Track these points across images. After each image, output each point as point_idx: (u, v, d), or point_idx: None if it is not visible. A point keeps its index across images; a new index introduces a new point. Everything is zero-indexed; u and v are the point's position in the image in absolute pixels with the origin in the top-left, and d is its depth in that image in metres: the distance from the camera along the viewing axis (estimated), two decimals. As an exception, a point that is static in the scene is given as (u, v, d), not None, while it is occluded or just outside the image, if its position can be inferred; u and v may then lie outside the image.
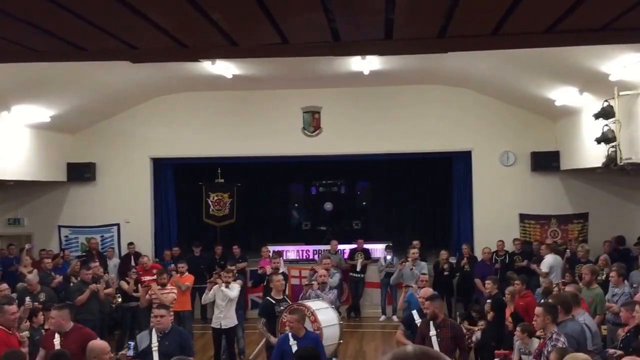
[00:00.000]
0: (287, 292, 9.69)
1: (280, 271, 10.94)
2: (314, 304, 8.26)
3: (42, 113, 11.23)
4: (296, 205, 16.66)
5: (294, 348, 6.64)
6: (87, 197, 13.84)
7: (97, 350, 5.54)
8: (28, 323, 8.05)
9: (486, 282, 9.56)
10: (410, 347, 1.35)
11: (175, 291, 9.67)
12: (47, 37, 2.18)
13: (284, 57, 2.64)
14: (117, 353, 10.41)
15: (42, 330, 7.76)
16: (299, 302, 8.39)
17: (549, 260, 11.47)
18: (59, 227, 13.95)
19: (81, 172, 13.57)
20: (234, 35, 2.18)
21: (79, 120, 13.09)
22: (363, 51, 2.67)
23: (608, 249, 11.78)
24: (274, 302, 8.25)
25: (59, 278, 10.99)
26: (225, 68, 11.25)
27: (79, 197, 13.87)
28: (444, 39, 2.20)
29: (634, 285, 9.01)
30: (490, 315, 8.78)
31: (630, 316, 6.70)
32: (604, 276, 9.16)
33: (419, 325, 7.25)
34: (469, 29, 2.16)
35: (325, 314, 8.13)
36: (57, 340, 6.56)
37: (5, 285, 8.88)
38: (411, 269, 11.04)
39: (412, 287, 9.77)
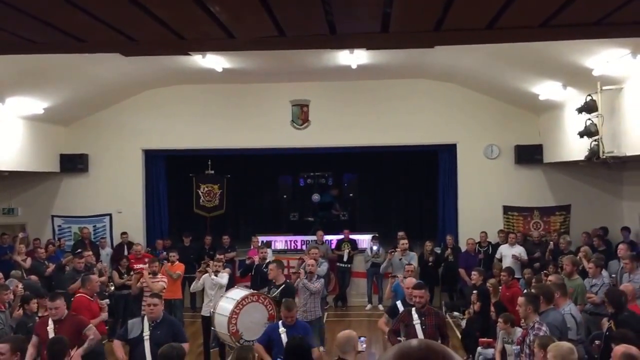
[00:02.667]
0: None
1: (268, 261, 11.10)
2: (231, 292, 8.76)
3: (36, 105, 11.30)
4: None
5: (283, 336, 6.76)
6: (79, 187, 13.95)
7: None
8: (21, 311, 8.11)
9: (472, 272, 9.73)
10: (415, 341, 1.36)
11: (165, 279, 9.81)
12: (47, 29, 2.20)
13: (280, 49, 2.66)
14: (109, 340, 10.55)
15: (36, 317, 7.82)
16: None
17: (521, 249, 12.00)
18: (52, 217, 14.06)
19: (74, 163, 13.69)
20: (231, 28, 2.21)
21: (72, 112, 13.16)
22: (359, 44, 2.70)
23: (586, 240, 12.02)
24: (271, 287, 8.83)
25: (52, 267, 11.06)
26: (215, 61, 11.35)
27: (71, 188, 13.97)
28: (439, 32, 2.24)
29: (612, 275, 9.24)
30: (477, 306, 8.99)
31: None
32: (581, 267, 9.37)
33: (400, 313, 7.33)
34: (464, 22, 2.20)
35: (225, 302, 8.52)
36: (50, 327, 6.64)
37: (-1, 274, 8.97)
38: (400, 259, 11.20)
39: (398, 277, 9.95)
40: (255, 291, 8.92)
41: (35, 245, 12.11)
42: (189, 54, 9.91)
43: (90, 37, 2.35)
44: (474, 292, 9.20)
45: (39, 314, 7.93)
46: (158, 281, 9.52)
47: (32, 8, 2.02)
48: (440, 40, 2.38)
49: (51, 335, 6.36)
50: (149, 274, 9.65)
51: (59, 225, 14.02)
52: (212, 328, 8.56)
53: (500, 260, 11.71)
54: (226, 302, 8.52)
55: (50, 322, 6.70)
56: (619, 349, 4.94)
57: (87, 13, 2.02)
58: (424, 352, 1.30)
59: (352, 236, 14.01)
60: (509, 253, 12.01)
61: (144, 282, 9.45)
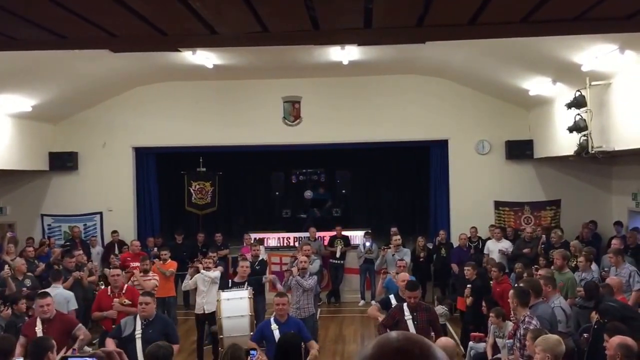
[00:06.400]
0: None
1: (261, 258, 11.11)
2: (226, 294, 8.38)
3: (24, 103, 11.22)
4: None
5: (276, 332, 6.79)
6: (69, 186, 13.89)
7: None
8: (9, 310, 8.06)
9: (465, 268, 9.77)
10: (393, 333, 1.37)
11: (157, 277, 9.79)
12: (27, 25, 2.20)
13: (264, 45, 2.64)
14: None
15: (26, 318, 7.79)
16: (219, 291, 8.65)
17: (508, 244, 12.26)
18: (42, 215, 13.99)
19: (63, 161, 13.61)
20: (213, 24, 2.21)
21: (60, 110, 13.08)
22: (343, 40, 2.73)
23: (587, 234, 12.11)
24: (230, 285, 8.92)
25: (42, 266, 11.00)
26: (206, 58, 11.32)
27: (61, 186, 13.91)
28: (422, 28, 2.27)
29: (605, 269, 9.30)
30: (469, 300, 9.04)
31: None
32: (575, 262, 9.44)
33: (392, 309, 7.36)
34: (446, 18, 2.23)
35: (232, 304, 8.15)
36: (38, 327, 6.61)
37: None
38: (393, 255, 11.24)
39: (389, 273, 9.98)
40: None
41: (28, 243, 12.03)
42: (179, 50, 9.89)
43: (70, 33, 2.34)
44: (468, 286, 9.24)
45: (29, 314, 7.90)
46: (150, 279, 9.50)
47: (11, 4, 2.01)
48: (424, 36, 2.39)
49: (39, 335, 6.33)
50: (140, 272, 9.63)
51: (49, 224, 13.94)
52: (220, 336, 8.07)
53: (488, 255, 11.83)
54: (235, 302, 8.17)
55: (38, 322, 6.67)
56: (615, 339, 5.01)
57: (65, 9, 2.01)
58: (402, 342, 1.32)
59: (344, 232, 14.03)
60: (496, 248, 12.10)
61: (135, 281, 9.43)
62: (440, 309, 9.65)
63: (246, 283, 8.93)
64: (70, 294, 8.78)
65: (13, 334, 6.74)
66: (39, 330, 6.55)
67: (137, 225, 14.15)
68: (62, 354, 6.12)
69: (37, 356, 5.20)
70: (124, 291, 8.14)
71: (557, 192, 13.62)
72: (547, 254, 10.82)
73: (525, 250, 11.63)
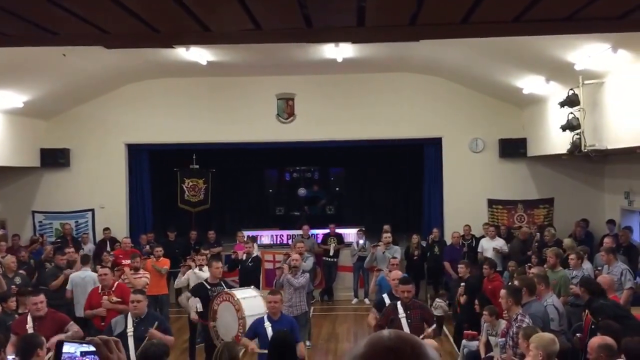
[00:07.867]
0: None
1: (254, 255, 11.08)
2: (240, 293, 8.19)
3: (15, 98, 11.15)
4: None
5: (269, 330, 6.78)
6: (61, 182, 13.81)
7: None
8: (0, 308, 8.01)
9: (459, 265, 9.78)
10: (385, 331, 1.37)
11: (148, 275, 9.76)
12: (18, 21, 2.17)
13: (257, 43, 2.63)
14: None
15: (16, 316, 7.74)
16: (227, 290, 8.27)
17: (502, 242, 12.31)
18: (33, 212, 13.90)
19: (55, 158, 13.53)
20: (206, 21, 2.20)
21: (52, 106, 12.99)
22: (335, 38, 2.70)
23: (580, 232, 12.15)
24: (208, 286, 8.47)
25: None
26: (199, 55, 11.27)
27: (53, 183, 13.83)
28: (415, 26, 2.26)
29: (599, 268, 9.33)
30: (463, 299, 9.04)
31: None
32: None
33: (385, 308, 7.35)
34: (439, 16, 2.22)
35: (251, 303, 8.00)
36: (29, 325, 6.58)
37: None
38: (383, 253, 11.23)
39: (382, 270, 9.98)
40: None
41: (14, 241, 11.95)
42: (173, 47, 9.84)
43: (62, 29, 2.32)
44: (462, 284, 9.24)
45: (20, 311, 7.85)
46: (140, 277, 9.47)
47: (3, 1, 1.99)
48: (417, 35, 2.38)
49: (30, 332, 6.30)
50: (131, 270, 9.60)
51: (40, 221, 13.86)
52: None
53: (482, 253, 11.85)
54: (250, 301, 7.98)
55: (29, 319, 6.64)
56: (595, 340, 5.02)
57: (58, 6, 1.99)
58: (394, 341, 1.32)
59: (338, 230, 14.03)
60: (490, 246, 12.13)
61: (126, 279, 9.39)
62: (437, 302, 9.68)
63: (224, 284, 8.71)
64: None
65: (2, 332, 6.70)
66: (29, 327, 6.53)
67: (129, 223, 14.09)
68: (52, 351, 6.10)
69: (26, 352, 5.17)
70: (113, 289, 8.13)
71: (550, 191, 13.66)
72: (540, 252, 10.85)
73: (529, 253, 11.62)
